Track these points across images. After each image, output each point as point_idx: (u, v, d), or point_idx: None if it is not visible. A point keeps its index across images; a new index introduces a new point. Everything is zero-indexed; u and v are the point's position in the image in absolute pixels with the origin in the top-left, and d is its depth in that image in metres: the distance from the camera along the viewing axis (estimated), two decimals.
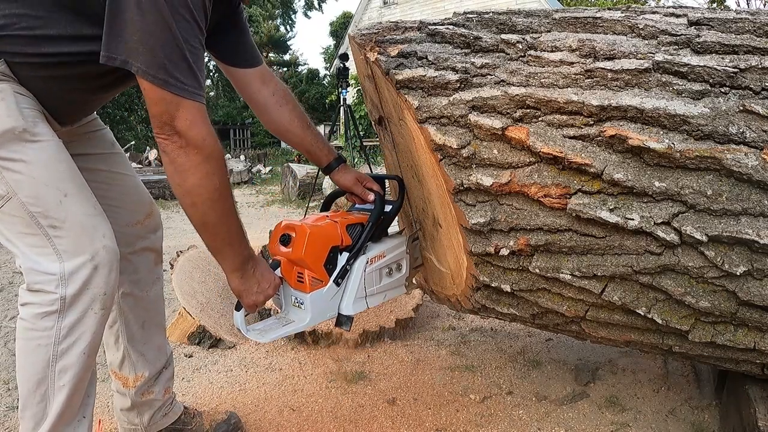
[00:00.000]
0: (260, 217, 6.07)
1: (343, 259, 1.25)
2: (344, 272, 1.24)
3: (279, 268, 1.21)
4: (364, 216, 1.32)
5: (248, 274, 1.11)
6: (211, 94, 22.54)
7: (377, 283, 1.31)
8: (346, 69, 4.66)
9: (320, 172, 1.49)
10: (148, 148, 11.57)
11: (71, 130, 1.17)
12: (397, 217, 1.47)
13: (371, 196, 1.35)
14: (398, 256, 1.36)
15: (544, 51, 1.17)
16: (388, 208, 1.38)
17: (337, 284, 1.23)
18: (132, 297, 1.32)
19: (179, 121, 0.93)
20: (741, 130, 1.00)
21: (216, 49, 1.26)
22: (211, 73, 20.83)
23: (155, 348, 1.37)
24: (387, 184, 1.55)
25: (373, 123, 1.63)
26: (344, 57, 4.73)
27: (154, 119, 0.93)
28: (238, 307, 1.17)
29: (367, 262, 1.28)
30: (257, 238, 3.03)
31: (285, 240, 1.22)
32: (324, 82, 24.45)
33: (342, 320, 1.26)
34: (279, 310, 1.31)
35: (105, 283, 1.02)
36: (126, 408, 1.37)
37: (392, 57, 1.23)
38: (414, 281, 1.51)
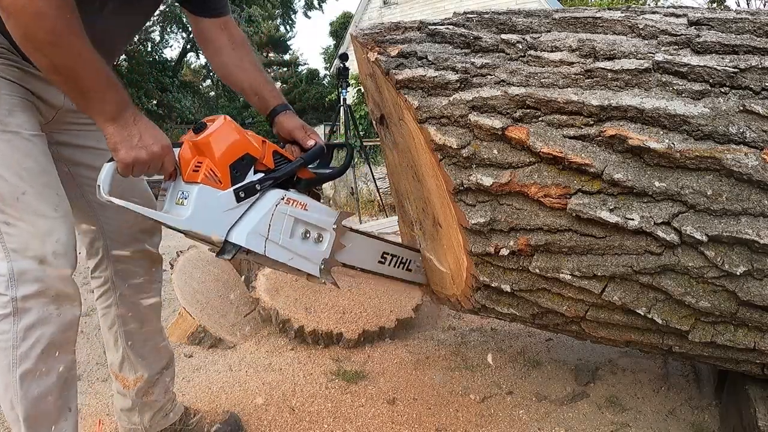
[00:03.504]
0: None
1: (255, 178, 1.09)
2: (251, 190, 1.07)
3: (178, 151, 1.03)
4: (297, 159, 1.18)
5: (127, 122, 0.95)
6: (212, 94, 22.54)
7: (286, 235, 1.13)
8: (346, 69, 4.65)
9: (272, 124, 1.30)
10: None
11: (69, 116, 1.12)
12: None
13: (311, 142, 1.21)
14: (322, 224, 1.20)
15: (544, 51, 1.17)
16: (327, 170, 1.26)
17: (238, 198, 1.05)
18: (129, 299, 1.31)
19: None
20: (741, 130, 1.00)
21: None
22: (211, 74, 20.82)
23: (155, 349, 1.37)
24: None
25: (374, 122, 1.62)
26: (344, 57, 4.72)
27: None
28: (109, 160, 0.98)
29: (283, 199, 1.12)
30: None
31: (199, 127, 1.05)
32: (324, 82, 24.45)
33: (226, 248, 1.07)
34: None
35: (59, 285, 0.98)
36: (127, 408, 1.36)
37: (392, 57, 1.23)
38: (331, 275, 1.26)
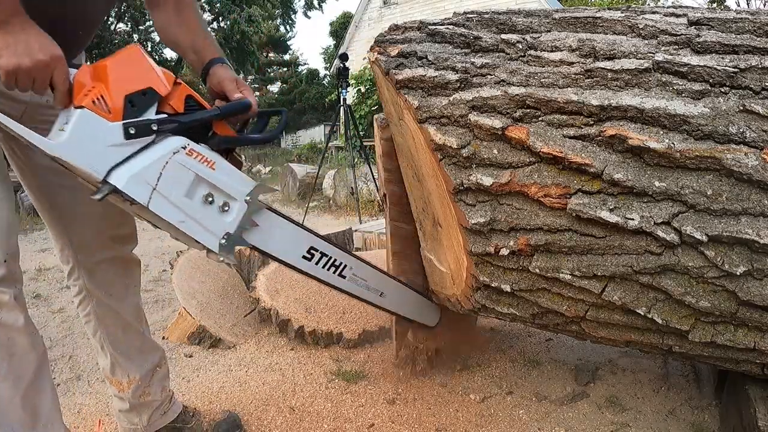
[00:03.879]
0: None
1: (154, 117, 0.96)
2: (144, 129, 0.93)
3: (74, 72, 0.92)
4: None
5: (14, 28, 0.86)
6: None
7: (181, 192, 0.98)
8: (346, 69, 4.65)
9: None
10: None
11: (41, 113, 1.07)
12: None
13: (238, 95, 1.08)
14: (231, 191, 1.04)
15: (544, 51, 1.17)
16: (255, 135, 1.14)
17: (127, 134, 0.92)
18: (107, 306, 1.29)
19: None
20: (741, 130, 1.00)
21: None
22: None
23: (142, 350, 1.36)
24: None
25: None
26: (344, 57, 4.72)
27: None
28: None
29: (184, 149, 0.97)
30: None
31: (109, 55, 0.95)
32: (324, 82, 24.46)
33: (102, 189, 0.92)
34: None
35: None
36: (125, 410, 1.36)
37: (392, 57, 1.23)
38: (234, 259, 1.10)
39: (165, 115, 0.96)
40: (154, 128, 0.94)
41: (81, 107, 0.88)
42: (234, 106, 1.05)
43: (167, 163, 0.95)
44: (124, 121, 0.91)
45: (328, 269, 1.26)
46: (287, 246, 1.19)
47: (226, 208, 1.04)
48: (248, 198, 1.06)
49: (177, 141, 0.97)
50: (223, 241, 1.04)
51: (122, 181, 0.91)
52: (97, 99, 0.89)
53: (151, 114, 0.94)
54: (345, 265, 1.28)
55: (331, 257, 1.25)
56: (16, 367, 1.00)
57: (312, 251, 1.22)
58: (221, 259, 1.06)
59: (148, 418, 1.37)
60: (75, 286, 1.29)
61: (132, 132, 0.92)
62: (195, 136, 1.00)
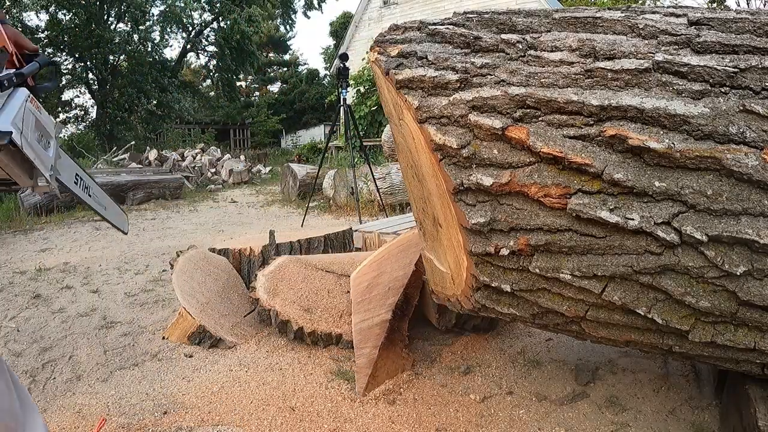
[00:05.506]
0: (260, 217, 6.07)
1: (12, 72, 1.11)
2: (8, 81, 1.09)
3: None
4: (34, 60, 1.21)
5: None
6: (212, 94, 22.53)
7: (32, 134, 1.14)
8: (346, 69, 4.64)
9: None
10: (148, 148, 11.57)
11: None
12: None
13: (33, 46, 1.23)
14: (50, 130, 1.20)
15: (544, 51, 1.17)
16: (47, 84, 1.29)
17: (0, 86, 1.07)
18: None
19: None
20: (741, 130, 1.00)
21: None
22: (211, 73, 20.82)
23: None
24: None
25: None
26: (344, 57, 4.72)
27: None
28: None
29: (29, 97, 1.13)
30: (257, 238, 3.03)
31: None
32: (324, 82, 24.45)
33: None
34: None
35: None
36: None
37: (392, 57, 1.23)
38: None
39: (14, 70, 1.11)
40: (14, 81, 1.09)
41: None
42: (45, 59, 1.22)
43: (24, 110, 1.09)
44: None
45: (84, 190, 1.50)
46: (68, 174, 1.39)
47: (48, 145, 1.20)
48: (56, 135, 1.23)
49: (24, 92, 1.11)
50: (51, 172, 1.20)
51: (8, 125, 1.04)
52: None
53: (4, 70, 1.10)
54: (90, 187, 1.54)
55: (84, 180, 1.51)
56: None
57: (78, 177, 1.46)
58: (52, 186, 1.21)
59: None
60: None
61: (5, 84, 1.06)
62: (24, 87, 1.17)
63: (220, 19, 17.96)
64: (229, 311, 2.33)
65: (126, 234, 1.56)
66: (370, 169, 5.29)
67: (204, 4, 17.13)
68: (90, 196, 1.53)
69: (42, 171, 1.17)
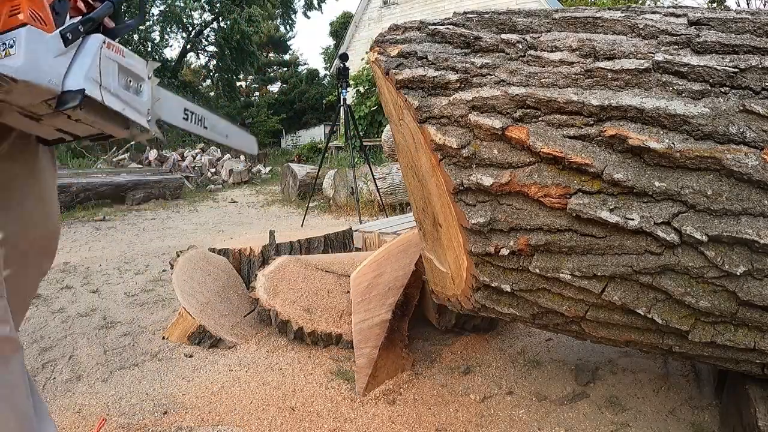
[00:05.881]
0: (260, 217, 6.07)
1: (75, 20, 0.99)
2: (76, 32, 0.97)
3: None
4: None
5: None
6: (212, 94, 22.54)
7: (115, 82, 1.06)
8: (346, 69, 4.65)
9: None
10: (147, 148, 11.57)
11: None
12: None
13: None
14: (139, 72, 1.13)
15: (544, 51, 1.17)
16: (127, 22, 1.20)
17: (65, 41, 0.95)
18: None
19: None
20: (741, 130, 1.00)
21: None
22: (211, 73, 20.83)
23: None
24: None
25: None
26: (344, 57, 4.72)
27: None
28: None
29: (104, 43, 1.03)
30: (257, 238, 3.03)
31: None
32: (324, 82, 24.46)
33: (67, 97, 0.96)
34: None
35: None
36: None
37: (392, 57, 1.23)
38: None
39: (80, 17, 1.00)
40: (81, 29, 0.98)
41: (23, 24, 0.88)
42: (119, 1, 1.12)
43: (100, 59, 1.00)
44: (60, 29, 0.94)
45: (198, 124, 1.44)
46: (174, 112, 1.32)
47: (140, 89, 1.13)
48: (150, 75, 1.15)
49: (98, 38, 1.01)
50: (149, 117, 1.14)
51: (80, 82, 0.95)
52: (32, 13, 0.89)
53: (69, 19, 0.98)
54: (205, 118, 1.47)
55: (196, 113, 1.45)
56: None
57: (187, 112, 1.40)
58: (152, 133, 1.15)
59: None
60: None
61: (69, 38, 0.95)
62: (97, 30, 1.07)
63: (220, 19, 17.97)
64: (229, 311, 2.33)
65: (255, 155, 1.47)
66: (370, 169, 5.29)
67: (204, 4, 17.14)
68: (206, 128, 1.47)
69: (136, 119, 1.09)
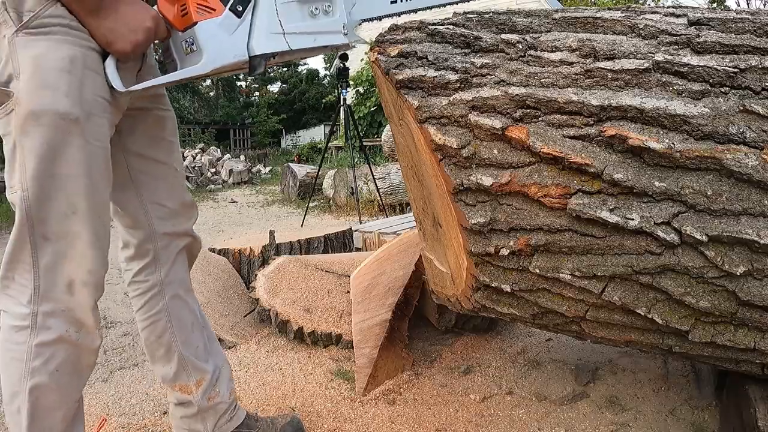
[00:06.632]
0: (260, 217, 6.08)
1: None
2: (242, 2, 1.01)
3: (156, 7, 1.00)
4: None
5: (108, 12, 0.90)
6: (211, 94, 22.53)
7: (299, 20, 1.06)
8: (346, 69, 4.65)
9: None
10: None
11: (136, 100, 1.08)
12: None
13: None
14: None
15: (544, 51, 1.17)
16: None
17: (237, 13, 1.00)
18: (182, 301, 1.24)
19: None
20: (741, 130, 1.00)
21: None
22: None
23: (208, 348, 1.29)
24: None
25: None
26: (344, 57, 4.72)
27: None
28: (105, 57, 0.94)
29: None
30: (257, 238, 3.02)
31: None
32: (324, 82, 24.47)
33: (256, 62, 1.02)
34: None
35: (80, 314, 0.96)
36: (190, 415, 1.26)
37: (392, 57, 1.23)
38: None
39: None
40: None
41: (194, 24, 0.96)
42: None
43: (276, 8, 1.02)
44: (228, 6, 0.98)
45: (406, 0, 1.36)
46: (378, 3, 1.28)
47: (329, 8, 1.11)
48: None
49: None
50: (345, 32, 1.13)
51: (263, 46, 1.01)
52: (198, 8, 0.96)
53: None
54: None
55: None
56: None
57: None
58: (353, 45, 1.17)
59: (215, 424, 1.27)
60: (146, 282, 1.20)
61: (239, 9, 1.00)
62: None
63: None
64: (229, 311, 2.33)
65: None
66: (370, 169, 5.29)
67: None
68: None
69: (332, 43, 1.11)
